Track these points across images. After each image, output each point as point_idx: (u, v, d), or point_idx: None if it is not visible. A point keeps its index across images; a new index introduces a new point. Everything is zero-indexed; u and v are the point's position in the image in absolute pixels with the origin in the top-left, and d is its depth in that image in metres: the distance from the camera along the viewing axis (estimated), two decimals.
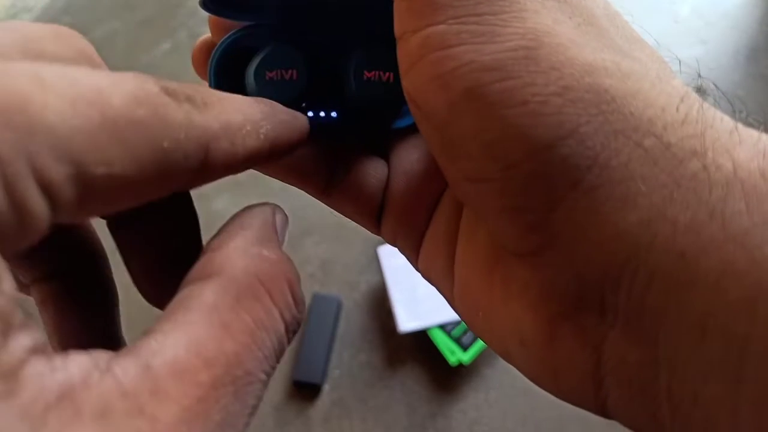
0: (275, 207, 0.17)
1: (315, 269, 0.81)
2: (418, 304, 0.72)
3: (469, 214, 0.18)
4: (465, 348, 0.70)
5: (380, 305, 0.77)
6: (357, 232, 0.83)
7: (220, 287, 0.12)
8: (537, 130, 0.13)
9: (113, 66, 0.13)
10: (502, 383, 0.72)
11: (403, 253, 0.21)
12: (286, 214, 0.17)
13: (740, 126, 0.14)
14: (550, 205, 0.13)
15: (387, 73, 0.19)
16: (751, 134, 0.13)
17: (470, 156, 0.14)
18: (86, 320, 0.17)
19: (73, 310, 0.17)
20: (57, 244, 0.16)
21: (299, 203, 0.91)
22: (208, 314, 0.12)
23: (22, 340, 0.09)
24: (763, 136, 0.13)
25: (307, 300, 0.77)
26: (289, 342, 0.13)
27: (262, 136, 0.15)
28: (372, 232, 0.21)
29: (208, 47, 0.21)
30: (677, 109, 0.13)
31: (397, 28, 0.16)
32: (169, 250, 0.17)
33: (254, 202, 0.17)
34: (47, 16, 1.11)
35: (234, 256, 0.13)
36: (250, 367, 0.12)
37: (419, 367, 0.73)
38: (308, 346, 0.73)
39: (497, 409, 0.71)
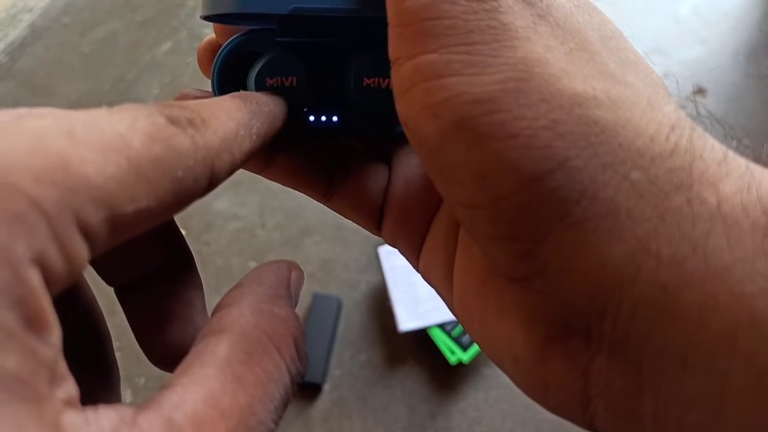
0: (292, 264, 0.17)
1: (315, 269, 0.81)
2: (418, 304, 0.72)
3: None
4: (465, 347, 0.70)
5: (380, 305, 0.77)
6: (357, 232, 0.83)
7: (233, 342, 0.13)
8: (526, 163, 0.13)
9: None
10: (502, 383, 0.72)
11: (404, 255, 0.21)
12: (302, 271, 0.18)
13: (730, 154, 0.14)
14: (539, 236, 0.14)
15: (386, 80, 0.19)
16: (739, 164, 0.13)
17: (462, 183, 0.14)
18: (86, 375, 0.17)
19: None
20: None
21: (299, 203, 0.91)
22: (223, 368, 0.13)
23: (62, 392, 0.10)
24: (751, 165, 0.14)
25: (307, 300, 0.77)
26: (293, 393, 0.14)
27: (254, 136, 0.16)
28: (373, 234, 0.21)
29: (213, 48, 0.21)
30: (667, 139, 0.14)
31: (391, 52, 0.16)
32: (173, 312, 0.18)
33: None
34: (47, 16, 1.11)
35: (247, 312, 0.15)
36: (261, 417, 0.13)
37: (419, 366, 0.73)
38: (308, 346, 0.73)
39: (497, 408, 0.71)
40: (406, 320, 0.71)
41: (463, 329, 0.71)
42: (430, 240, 0.20)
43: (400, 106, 0.16)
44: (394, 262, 0.76)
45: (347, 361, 0.74)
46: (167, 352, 0.17)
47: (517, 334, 0.15)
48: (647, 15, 1.06)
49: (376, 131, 0.21)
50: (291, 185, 0.21)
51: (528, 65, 0.14)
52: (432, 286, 0.20)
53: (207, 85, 0.20)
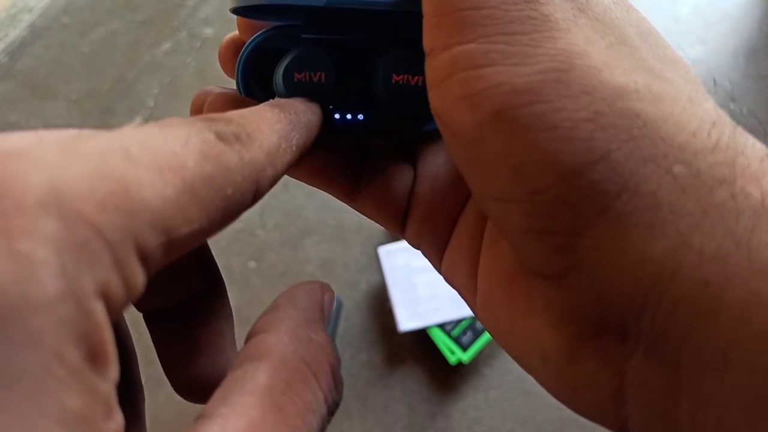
0: (324, 286, 0.17)
1: (315, 269, 0.81)
2: (418, 303, 0.72)
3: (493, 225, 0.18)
4: (465, 347, 0.70)
5: (380, 305, 0.77)
6: (357, 232, 0.83)
7: (272, 370, 0.13)
8: (566, 156, 0.13)
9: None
10: (502, 383, 0.72)
11: (427, 257, 0.21)
12: (333, 293, 0.17)
13: None
14: (577, 231, 0.13)
15: (416, 77, 0.19)
16: None
17: (497, 176, 0.14)
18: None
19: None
20: None
21: (299, 203, 0.91)
22: (263, 397, 0.12)
23: (113, 425, 0.10)
24: None
25: None
26: (329, 422, 0.14)
27: (294, 148, 0.15)
28: (397, 235, 0.21)
29: (235, 46, 0.21)
30: (708, 135, 0.13)
31: (426, 43, 0.15)
32: (205, 342, 0.17)
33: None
34: (47, 16, 1.11)
35: (285, 338, 0.14)
36: None
37: (419, 366, 0.73)
38: None
39: (497, 408, 0.71)
40: (406, 320, 0.71)
41: (462, 329, 0.71)
42: (455, 240, 0.19)
43: (434, 98, 0.15)
44: (394, 262, 0.76)
45: (347, 361, 0.74)
46: (195, 383, 0.17)
47: (546, 333, 0.15)
48: (647, 15, 1.05)
49: (402, 130, 0.21)
50: (316, 184, 0.20)
51: (569, 56, 0.13)
52: (454, 287, 0.20)
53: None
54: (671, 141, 0.13)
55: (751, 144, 0.13)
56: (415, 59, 0.19)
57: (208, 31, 1.08)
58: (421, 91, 0.19)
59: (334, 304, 0.17)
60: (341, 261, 0.81)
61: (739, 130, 0.14)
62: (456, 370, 0.72)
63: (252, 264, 0.80)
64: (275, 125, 0.15)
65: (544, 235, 0.14)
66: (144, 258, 0.10)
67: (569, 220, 0.13)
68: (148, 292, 0.17)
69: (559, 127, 0.13)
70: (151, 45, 1.07)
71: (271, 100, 0.17)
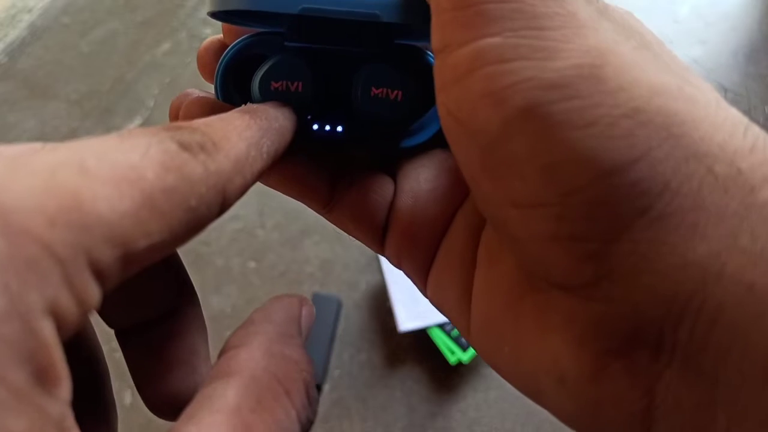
0: (303, 300, 0.17)
1: (315, 269, 0.81)
2: (418, 303, 0.72)
3: (492, 239, 0.17)
4: (465, 347, 0.70)
5: (380, 305, 0.77)
6: None
7: (242, 387, 0.13)
8: (606, 153, 0.12)
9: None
10: (502, 383, 0.72)
11: (410, 278, 0.20)
12: (312, 306, 0.17)
13: None
14: (614, 234, 0.12)
15: (395, 91, 0.19)
16: None
17: (524, 179, 0.13)
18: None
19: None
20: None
21: (299, 204, 0.91)
22: (231, 416, 0.12)
23: None
24: None
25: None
26: None
27: (265, 155, 0.15)
28: (376, 252, 0.20)
29: (215, 49, 0.20)
30: (744, 136, 0.13)
31: (438, 40, 0.14)
32: (177, 359, 0.17)
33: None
34: (47, 17, 1.11)
35: (257, 354, 0.14)
36: None
37: (419, 366, 0.73)
38: (308, 346, 0.73)
39: (497, 409, 0.71)
40: (406, 320, 0.71)
41: None
42: (441, 260, 0.18)
43: (448, 96, 0.14)
44: None
45: (347, 361, 0.74)
46: (168, 401, 0.16)
47: (566, 351, 0.14)
48: (647, 15, 1.05)
49: (380, 144, 0.20)
50: (290, 193, 0.20)
51: (601, 52, 0.13)
52: (444, 313, 0.19)
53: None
54: (710, 140, 0.12)
55: None
56: (395, 73, 0.19)
57: (208, 31, 1.08)
58: (400, 106, 0.19)
59: (314, 317, 0.17)
60: (341, 261, 0.81)
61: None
62: (456, 370, 0.72)
63: (252, 264, 0.80)
64: (244, 132, 0.14)
65: (574, 241, 0.13)
66: (99, 273, 0.10)
67: (606, 222, 0.12)
68: (119, 309, 0.16)
69: (597, 123, 0.12)
70: (151, 45, 1.07)
71: (243, 105, 0.17)
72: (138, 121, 0.96)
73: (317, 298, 0.77)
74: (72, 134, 0.95)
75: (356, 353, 0.75)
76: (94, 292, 0.10)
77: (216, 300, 0.77)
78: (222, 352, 0.14)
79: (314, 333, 0.74)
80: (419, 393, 0.72)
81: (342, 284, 0.79)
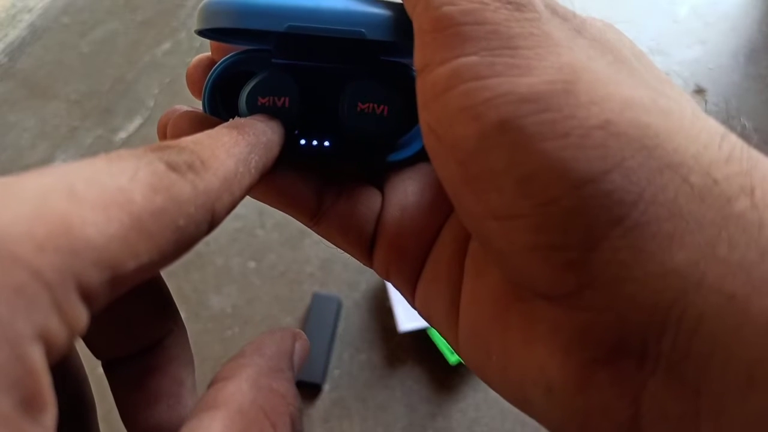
0: (297, 333, 0.17)
1: (315, 269, 0.81)
2: None
3: (478, 251, 0.17)
4: None
5: (380, 305, 0.77)
6: None
7: (228, 420, 0.13)
8: (579, 164, 0.12)
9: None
10: None
11: (398, 289, 0.20)
12: (307, 341, 0.17)
13: None
14: (591, 243, 0.13)
15: (381, 106, 0.19)
16: None
17: (501, 191, 0.13)
18: None
19: None
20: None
21: None
22: None
23: None
24: None
25: (307, 300, 0.77)
26: None
27: (253, 170, 0.15)
28: (364, 265, 0.20)
29: (204, 66, 0.20)
30: (720, 147, 0.13)
31: (420, 59, 0.15)
32: (163, 390, 0.17)
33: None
34: (47, 17, 1.11)
35: (245, 387, 0.14)
36: None
37: (419, 366, 0.73)
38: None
39: (497, 409, 0.71)
40: (406, 320, 0.71)
41: None
42: (429, 272, 0.18)
43: (429, 113, 0.15)
44: None
45: (347, 361, 0.74)
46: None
47: (552, 361, 0.14)
48: (647, 15, 1.06)
49: (367, 158, 0.20)
50: (276, 205, 0.20)
51: (575, 69, 0.13)
52: (432, 324, 0.19)
53: (203, 85, 0.20)
54: (684, 152, 0.13)
55: (762, 157, 0.13)
56: (381, 88, 0.19)
57: None
58: (387, 120, 0.19)
59: (308, 351, 0.17)
60: (341, 261, 0.81)
61: (747, 144, 0.14)
62: (456, 370, 0.72)
63: (252, 264, 0.80)
64: (232, 149, 0.14)
65: (554, 251, 0.13)
66: (87, 296, 0.10)
67: (583, 231, 0.13)
68: (107, 339, 0.17)
69: (569, 134, 0.13)
70: (151, 45, 1.07)
71: (230, 120, 0.17)
72: (138, 120, 0.96)
73: (317, 298, 0.77)
74: (72, 134, 0.95)
75: (356, 353, 0.75)
76: (82, 316, 0.10)
77: (216, 300, 0.77)
78: (210, 384, 0.14)
79: (314, 333, 0.74)
80: (419, 393, 0.72)
81: (342, 284, 0.79)
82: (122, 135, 0.95)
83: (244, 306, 0.77)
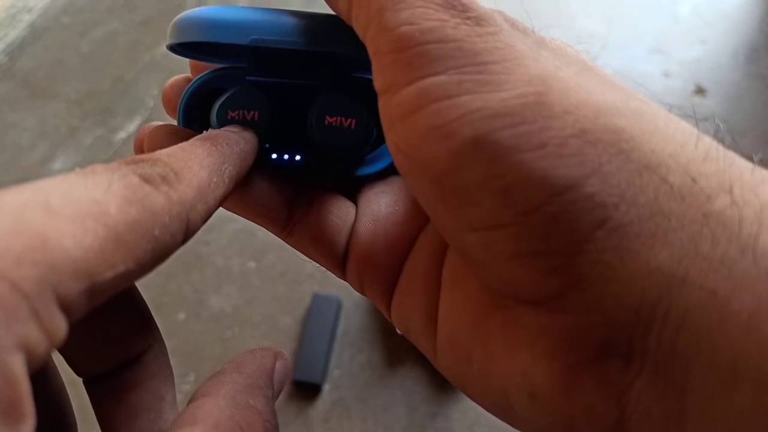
0: (278, 353, 0.17)
1: (315, 269, 0.80)
2: None
3: (456, 260, 0.17)
4: None
5: None
6: None
7: None
8: (558, 171, 0.13)
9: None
10: None
11: (373, 302, 0.20)
12: (288, 360, 0.17)
13: (757, 165, 0.13)
14: (576, 247, 0.13)
15: (349, 119, 0.19)
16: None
17: (478, 204, 0.14)
18: None
19: None
20: None
21: None
22: None
23: None
24: None
25: (307, 300, 0.77)
26: None
27: (226, 180, 0.15)
28: (336, 276, 0.20)
29: (180, 86, 0.21)
30: (696, 146, 0.13)
31: (381, 81, 0.15)
32: (143, 405, 0.17)
33: None
34: (47, 16, 1.11)
35: (222, 403, 0.14)
36: None
37: (419, 367, 0.73)
38: (308, 346, 0.73)
39: None
40: None
41: None
42: (404, 284, 0.18)
43: (396, 134, 0.15)
44: None
45: (347, 361, 0.74)
46: None
47: (536, 366, 0.14)
48: (647, 15, 1.06)
49: (337, 172, 0.21)
50: (247, 216, 0.20)
51: (544, 80, 0.13)
52: (407, 335, 0.19)
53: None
54: (661, 152, 0.13)
55: (737, 156, 0.13)
56: (349, 102, 0.19)
57: None
58: (354, 133, 0.19)
59: (290, 372, 0.17)
60: None
61: (722, 145, 0.14)
62: None
63: (252, 264, 0.80)
64: (205, 160, 0.15)
65: (537, 257, 0.13)
66: (66, 306, 0.11)
67: (566, 236, 0.13)
68: (87, 357, 0.17)
69: (547, 145, 0.13)
70: (151, 45, 1.07)
71: (204, 132, 0.17)
72: (138, 120, 0.96)
73: (317, 298, 0.77)
74: (72, 134, 0.95)
75: (356, 353, 0.75)
76: (61, 325, 0.11)
77: (216, 300, 0.77)
78: (190, 401, 0.15)
79: (314, 333, 0.74)
80: (419, 393, 0.72)
81: (342, 284, 0.79)
82: (122, 135, 0.95)
83: (244, 306, 0.77)
